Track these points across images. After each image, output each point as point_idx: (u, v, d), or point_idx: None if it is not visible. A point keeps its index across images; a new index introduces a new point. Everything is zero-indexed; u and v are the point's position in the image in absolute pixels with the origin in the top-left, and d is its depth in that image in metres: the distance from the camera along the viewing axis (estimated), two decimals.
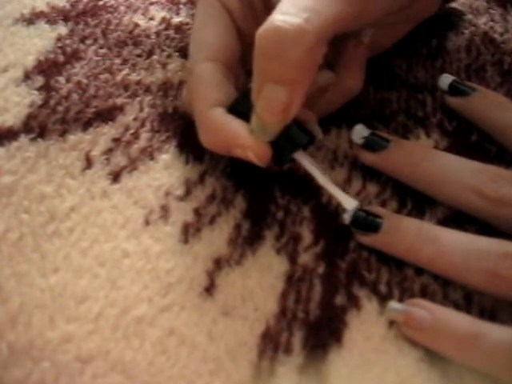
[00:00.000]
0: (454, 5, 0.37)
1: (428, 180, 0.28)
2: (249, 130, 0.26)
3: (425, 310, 0.24)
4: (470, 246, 0.25)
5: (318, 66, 0.25)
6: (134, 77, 0.34)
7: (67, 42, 0.36)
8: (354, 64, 0.30)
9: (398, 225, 0.26)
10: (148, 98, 0.33)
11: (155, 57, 0.35)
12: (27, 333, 0.24)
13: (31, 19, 0.38)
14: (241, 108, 0.27)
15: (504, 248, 0.24)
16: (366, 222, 0.27)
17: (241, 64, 0.30)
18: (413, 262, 0.26)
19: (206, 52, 0.28)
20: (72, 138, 0.31)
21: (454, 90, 0.31)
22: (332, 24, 0.24)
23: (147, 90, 0.34)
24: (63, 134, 0.31)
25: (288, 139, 0.27)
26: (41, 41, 0.36)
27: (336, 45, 0.31)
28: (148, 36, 0.37)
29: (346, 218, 0.27)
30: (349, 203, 0.27)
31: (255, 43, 0.24)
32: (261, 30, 0.24)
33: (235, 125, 0.26)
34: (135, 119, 0.32)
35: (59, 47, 0.36)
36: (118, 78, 0.34)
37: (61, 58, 0.35)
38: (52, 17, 0.38)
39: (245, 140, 0.26)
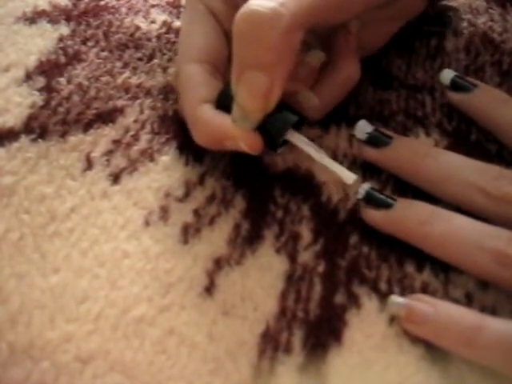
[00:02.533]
0: (451, 3, 0.37)
1: (430, 177, 0.28)
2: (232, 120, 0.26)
3: (426, 304, 0.24)
4: (483, 227, 0.25)
5: (295, 51, 0.25)
6: (134, 80, 0.34)
7: (69, 42, 0.36)
8: (347, 53, 0.30)
9: (411, 202, 0.27)
10: (148, 101, 0.33)
11: (156, 60, 0.35)
12: (27, 333, 0.24)
13: (33, 18, 0.38)
14: (225, 101, 0.27)
15: None
16: (380, 196, 0.27)
17: (229, 67, 0.30)
18: (423, 239, 0.26)
19: (192, 54, 0.29)
20: (72, 139, 0.31)
21: (455, 85, 0.31)
22: (307, 10, 0.25)
23: (148, 93, 0.34)
24: (64, 135, 0.31)
25: (277, 122, 0.27)
26: (43, 41, 0.36)
27: (328, 41, 0.31)
28: (149, 39, 0.37)
29: (361, 191, 0.27)
30: (348, 177, 0.27)
31: (232, 30, 0.25)
32: (237, 15, 0.25)
33: (221, 118, 0.27)
34: (135, 121, 0.32)
35: (61, 48, 0.36)
36: (119, 80, 0.34)
37: (62, 59, 0.35)
38: (54, 16, 0.38)
39: (233, 132, 0.26)
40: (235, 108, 0.26)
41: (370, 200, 0.27)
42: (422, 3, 0.33)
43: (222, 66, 0.30)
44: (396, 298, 0.24)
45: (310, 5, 0.25)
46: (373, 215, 0.27)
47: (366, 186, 0.27)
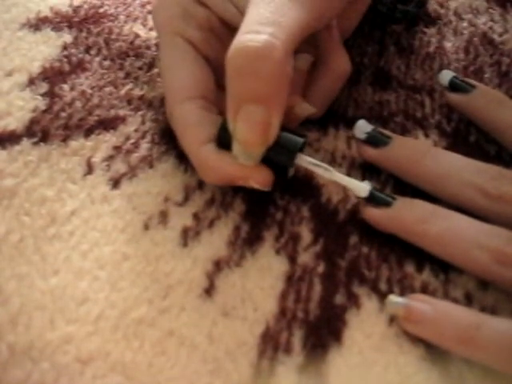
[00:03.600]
0: (451, 3, 0.37)
1: (429, 177, 0.28)
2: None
3: (425, 304, 0.24)
4: (482, 226, 0.25)
5: (289, 78, 0.25)
6: (137, 92, 0.35)
7: (72, 51, 0.37)
8: (333, 47, 0.30)
9: (411, 201, 0.27)
10: (150, 114, 0.33)
11: (156, 70, 0.36)
12: (27, 334, 0.24)
13: (37, 25, 0.38)
14: (225, 139, 0.26)
15: None
16: (380, 195, 0.27)
17: (219, 91, 0.30)
18: (422, 238, 0.26)
19: (182, 93, 0.28)
20: (74, 143, 0.32)
21: (453, 86, 0.31)
22: (296, 33, 0.25)
23: (150, 105, 0.34)
24: (65, 139, 0.32)
25: (282, 150, 0.26)
26: (47, 48, 0.37)
27: (312, 41, 0.31)
28: (148, 47, 0.37)
29: (365, 191, 0.27)
30: (362, 189, 0.27)
31: (226, 66, 0.24)
32: (230, 52, 0.24)
33: (225, 159, 0.26)
34: (136, 130, 0.33)
35: (65, 56, 0.36)
36: (122, 92, 0.34)
37: (66, 67, 0.36)
38: (56, 22, 0.39)
39: (239, 172, 0.26)
40: (235, 145, 0.26)
41: (370, 198, 0.27)
42: None
43: (213, 96, 0.29)
44: (395, 298, 0.24)
45: (296, 28, 0.25)
46: (373, 213, 0.27)
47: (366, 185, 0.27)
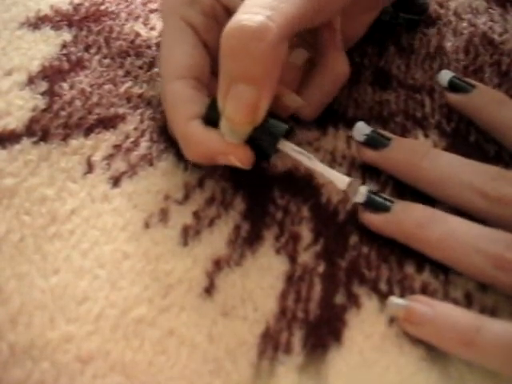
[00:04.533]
0: (451, 3, 0.37)
1: (428, 179, 0.28)
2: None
3: (426, 305, 0.24)
4: (481, 231, 0.25)
5: (281, 63, 0.25)
6: (136, 90, 0.35)
7: (72, 49, 0.37)
8: (333, 48, 0.30)
9: (409, 205, 0.27)
10: (149, 112, 0.33)
11: (156, 69, 0.36)
12: (27, 333, 0.24)
13: (36, 24, 0.38)
14: (213, 116, 0.27)
15: None
16: (379, 200, 0.27)
17: (212, 77, 0.30)
18: (421, 242, 0.26)
19: (176, 71, 0.29)
20: (74, 142, 0.31)
21: (453, 86, 0.31)
22: (293, 20, 0.25)
23: (148, 103, 0.34)
24: (65, 138, 0.32)
25: (267, 134, 0.27)
26: (46, 47, 0.37)
27: (313, 41, 0.31)
28: (149, 47, 0.37)
29: (359, 197, 0.27)
30: (341, 181, 0.27)
31: (220, 44, 0.25)
32: (226, 30, 0.25)
33: (211, 134, 0.27)
34: (135, 129, 0.33)
35: (64, 54, 0.36)
36: (121, 90, 0.34)
37: (65, 66, 0.36)
38: (56, 21, 0.38)
39: (223, 148, 0.26)
40: (223, 122, 0.26)
41: (368, 204, 0.27)
42: None
43: (206, 80, 0.30)
44: (395, 299, 0.24)
45: (294, 15, 0.25)
46: (372, 219, 0.27)
47: (363, 190, 0.27)
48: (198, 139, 0.27)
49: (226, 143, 0.26)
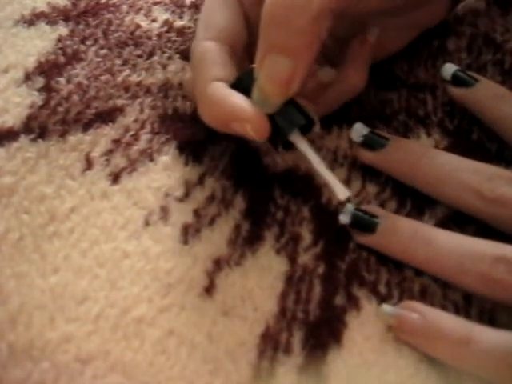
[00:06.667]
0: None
1: (426, 179, 0.28)
2: (249, 103, 0.26)
3: (416, 313, 0.23)
4: (466, 248, 0.24)
5: (322, 40, 0.25)
6: (134, 78, 0.34)
7: (68, 42, 0.36)
8: (358, 61, 0.30)
9: (393, 226, 0.26)
10: (148, 100, 0.33)
11: (155, 58, 0.35)
12: (27, 333, 0.24)
13: (32, 20, 0.38)
14: (243, 85, 0.26)
15: (499, 251, 0.24)
16: (363, 221, 0.27)
17: (247, 52, 0.29)
18: (410, 262, 0.26)
19: (212, 32, 0.28)
20: (72, 138, 0.31)
21: (456, 79, 0.31)
22: None
23: (147, 91, 0.34)
24: (63, 134, 0.31)
25: (286, 118, 0.26)
26: (41, 42, 0.36)
27: (342, 44, 0.31)
28: (149, 38, 0.37)
29: (343, 219, 0.27)
30: (342, 193, 0.26)
31: (262, 13, 0.24)
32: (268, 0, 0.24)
33: (235, 98, 0.26)
34: (135, 121, 0.32)
35: (60, 48, 0.36)
36: (119, 79, 0.34)
37: (61, 59, 0.35)
38: (52, 17, 0.38)
39: (244, 113, 0.25)
40: (255, 90, 0.25)
41: (355, 224, 0.27)
42: (443, 12, 0.33)
43: (240, 51, 0.29)
44: (386, 308, 0.24)
45: None
46: (361, 238, 0.27)
47: (350, 208, 0.27)
48: (218, 99, 0.26)
49: (246, 108, 0.25)
